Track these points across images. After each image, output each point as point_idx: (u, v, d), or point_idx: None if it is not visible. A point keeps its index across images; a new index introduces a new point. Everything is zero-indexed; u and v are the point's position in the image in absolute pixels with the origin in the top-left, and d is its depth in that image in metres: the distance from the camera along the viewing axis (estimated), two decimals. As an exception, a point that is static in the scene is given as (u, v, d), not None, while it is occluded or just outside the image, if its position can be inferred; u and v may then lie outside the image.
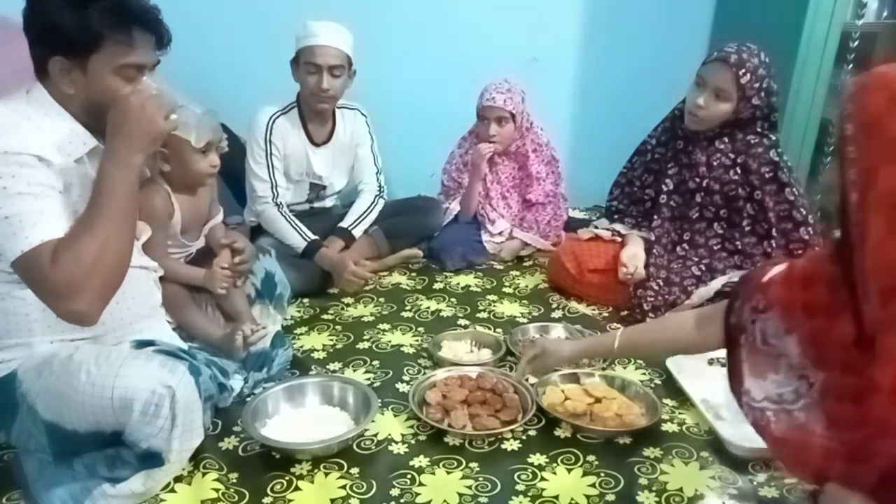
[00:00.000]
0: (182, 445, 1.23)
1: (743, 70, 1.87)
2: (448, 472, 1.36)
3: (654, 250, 2.11)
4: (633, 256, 2.10)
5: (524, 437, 1.48)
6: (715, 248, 2.08)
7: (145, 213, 1.46)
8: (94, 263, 1.14)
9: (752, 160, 1.96)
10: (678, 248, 2.12)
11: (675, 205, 2.11)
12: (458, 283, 2.36)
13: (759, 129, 1.96)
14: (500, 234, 2.58)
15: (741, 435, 1.44)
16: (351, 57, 2.19)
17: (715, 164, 2.01)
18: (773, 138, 1.97)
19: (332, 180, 2.43)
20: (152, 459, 1.22)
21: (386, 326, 2.02)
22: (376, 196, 2.45)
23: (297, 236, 2.22)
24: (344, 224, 2.35)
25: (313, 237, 2.23)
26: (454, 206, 2.61)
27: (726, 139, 1.99)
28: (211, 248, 1.73)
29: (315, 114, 2.27)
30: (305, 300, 2.18)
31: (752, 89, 1.88)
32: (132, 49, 1.20)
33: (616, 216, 2.31)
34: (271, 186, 2.24)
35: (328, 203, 2.50)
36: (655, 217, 2.15)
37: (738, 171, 1.99)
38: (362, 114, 2.42)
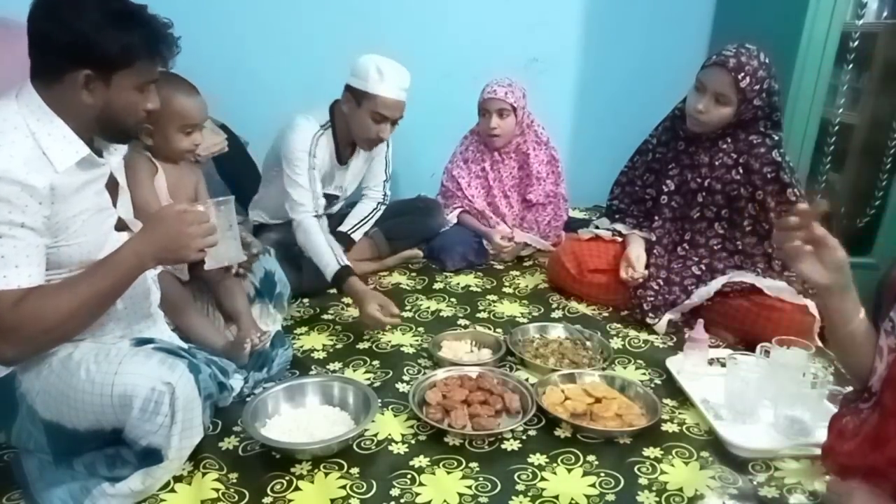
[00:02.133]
0: (181, 443, 1.23)
1: (742, 73, 1.86)
2: (448, 472, 1.36)
3: (655, 250, 2.11)
4: (638, 258, 2.10)
5: (524, 437, 1.48)
6: (715, 247, 2.08)
7: (129, 175, 1.46)
8: (57, 323, 1.15)
9: (755, 160, 1.95)
10: (678, 248, 2.12)
11: (676, 205, 2.11)
12: (458, 283, 2.36)
13: (761, 129, 1.95)
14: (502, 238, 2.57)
15: (741, 435, 1.45)
16: None
17: (717, 163, 2.00)
18: (776, 138, 1.96)
19: (348, 191, 2.41)
20: (152, 457, 1.22)
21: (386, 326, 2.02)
22: (379, 203, 2.45)
23: (331, 257, 2.01)
24: (343, 228, 2.35)
25: (346, 262, 2.02)
26: (452, 218, 2.59)
27: (729, 139, 1.98)
28: None
29: (349, 140, 2.21)
30: (305, 300, 2.18)
31: (753, 91, 1.88)
32: (155, 68, 1.23)
33: (617, 216, 2.31)
34: (313, 197, 2.12)
35: (334, 210, 2.49)
36: (656, 217, 2.14)
37: (741, 170, 1.98)
38: None
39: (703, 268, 2.06)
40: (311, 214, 2.08)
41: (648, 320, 2.02)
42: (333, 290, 2.24)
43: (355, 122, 2.11)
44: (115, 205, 1.33)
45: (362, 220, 2.39)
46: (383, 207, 2.46)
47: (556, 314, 2.14)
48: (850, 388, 1.31)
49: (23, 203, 1.10)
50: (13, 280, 1.11)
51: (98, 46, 1.14)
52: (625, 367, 1.81)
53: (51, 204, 1.15)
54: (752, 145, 1.96)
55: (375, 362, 1.80)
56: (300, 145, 2.11)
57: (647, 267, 2.10)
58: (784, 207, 1.96)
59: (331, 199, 2.40)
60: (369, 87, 2.03)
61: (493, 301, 2.22)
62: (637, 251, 2.13)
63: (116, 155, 1.36)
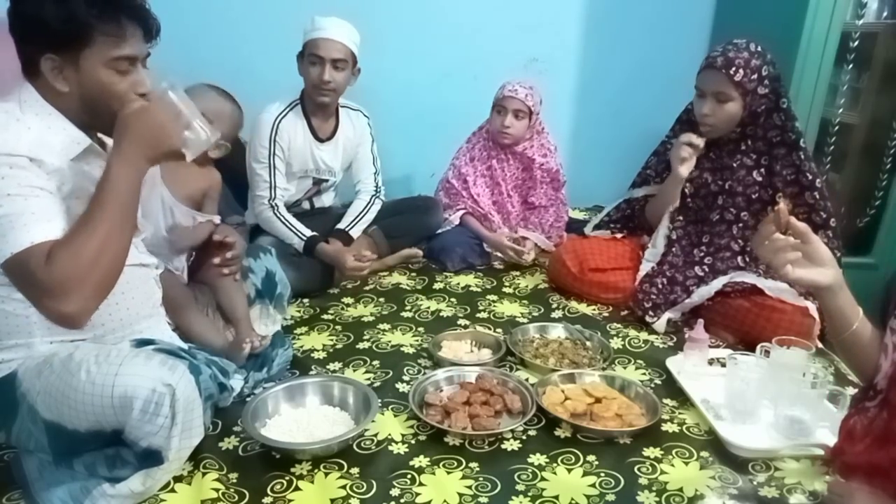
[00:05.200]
0: (181, 444, 1.23)
1: (733, 69, 1.87)
2: (448, 472, 1.36)
3: (673, 249, 2.12)
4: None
5: (524, 437, 1.48)
6: (723, 245, 2.08)
7: None
8: (91, 264, 1.13)
9: (776, 162, 1.95)
10: (696, 250, 2.11)
11: (696, 208, 2.11)
12: (458, 283, 2.36)
13: (776, 122, 1.94)
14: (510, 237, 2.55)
15: (741, 435, 1.45)
16: (355, 54, 2.21)
17: (736, 165, 2.00)
18: (793, 136, 1.94)
19: (336, 171, 2.44)
20: (152, 458, 1.21)
21: (386, 326, 2.02)
22: (373, 196, 2.46)
23: (294, 236, 2.23)
24: (341, 225, 2.36)
25: (310, 234, 2.24)
26: (454, 219, 2.58)
27: (749, 140, 1.98)
28: (205, 248, 1.71)
29: (318, 108, 2.28)
30: (305, 300, 2.18)
31: (752, 81, 1.88)
32: (122, 41, 1.19)
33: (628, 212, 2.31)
34: (270, 187, 2.25)
35: (327, 202, 2.50)
36: (679, 218, 2.15)
37: (763, 172, 1.98)
38: (365, 115, 2.44)
39: (707, 268, 2.06)
40: (268, 206, 2.26)
41: (648, 319, 2.02)
42: (333, 290, 2.26)
43: (304, 77, 2.23)
44: None
45: (359, 216, 2.40)
46: (379, 202, 2.47)
47: (556, 314, 2.14)
48: (850, 388, 1.31)
49: (35, 171, 1.13)
50: (51, 232, 1.12)
51: (44, 25, 1.13)
52: (625, 367, 1.81)
53: (60, 184, 1.17)
54: (772, 144, 1.96)
55: (375, 362, 1.80)
56: (261, 132, 2.24)
57: (658, 265, 2.10)
58: (801, 210, 1.95)
59: (320, 182, 2.42)
60: (305, 37, 2.18)
61: (493, 301, 2.22)
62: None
63: None
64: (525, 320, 2.08)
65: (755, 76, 1.88)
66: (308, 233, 2.24)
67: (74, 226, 1.16)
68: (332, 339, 1.93)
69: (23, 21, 1.15)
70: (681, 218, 2.15)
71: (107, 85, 1.20)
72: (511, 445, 1.45)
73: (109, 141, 1.30)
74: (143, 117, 1.18)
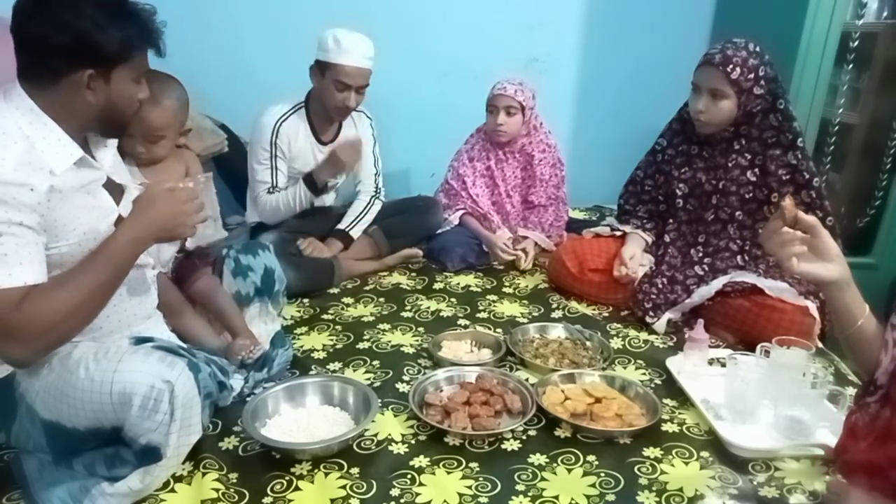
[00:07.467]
0: (180, 441, 1.23)
1: (731, 66, 1.87)
2: (448, 472, 1.36)
3: (669, 251, 2.12)
4: (632, 257, 2.11)
5: (524, 437, 1.48)
6: (721, 246, 2.08)
7: None
8: (64, 319, 1.13)
9: (771, 162, 1.95)
10: (692, 251, 2.10)
11: (691, 208, 2.11)
12: (458, 283, 2.36)
13: (773, 123, 1.93)
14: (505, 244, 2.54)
15: (741, 435, 1.45)
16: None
17: (731, 164, 2.00)
18: (790, 136, 1.92)
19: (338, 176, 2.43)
20: (150, 455, 1.21)
21: (386, 326, 2.02)
22: (372, 197, 2.46)
23: (296, 192, 2.25)
24: (341, 226, 2.37)
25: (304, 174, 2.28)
26: (453, 220, 2.58)
27: (743, 140, 1.98)
28: (196, 261, 1.69)
29: (326, 117, 2.29)
30: (305, 300, 2.18)
31: (748, 81, 1.88)
32: (146, 57, 1.24)
33: (624, 216, 2.31)
34: (270, 187, 2.26)
35: (327, 201, 2.50)
36: (671, 220, 2.15)
37: (757, 172, 1.97)
38: (367, 116, 2.44)
39: (706, 267, 2.06)
40: (265, 194, 2.27)
41: (648, 319, 2.02)
42: (333, 290, 2.26)
43: (322, 92, 2.22)
44: (118, 203, 1.31)
45: (359, 216, 2.41)
46: (379, 203, 2.47)
47: (556, 314, 2.14)
48: (850, 388, 1.30)
49: (19, 203, 1.10)
50: (19, 277, 1.10)
51: (100, 45, 1.14)
52: (625, 367, 1.81)
53: (47, 202, 1.14)
54: (767, 145, 1.95)
55: (375, 362, 1.80)
56: (262, 135, 2.24)
57: (656, 265, 2.09)
58: (799, 209, 1.93)
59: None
60: (330, 57, 2.14)
61: (493, 301, 2.22)
62: (632, 250, 2.14)
63: (109, 150, 1.35)
64: (525, 320, 2.08)
65: (752, 76, 1.88)
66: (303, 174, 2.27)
67: (61, 276, 1.16)
68: (332, 339, 1.93)
69: (70, 36, 1.13)
70: (672, 221, 2.15)
71: (129, 95, 1.24)
72: (511, 445, 1.45)
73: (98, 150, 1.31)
74: (170, 201, 1.23)
